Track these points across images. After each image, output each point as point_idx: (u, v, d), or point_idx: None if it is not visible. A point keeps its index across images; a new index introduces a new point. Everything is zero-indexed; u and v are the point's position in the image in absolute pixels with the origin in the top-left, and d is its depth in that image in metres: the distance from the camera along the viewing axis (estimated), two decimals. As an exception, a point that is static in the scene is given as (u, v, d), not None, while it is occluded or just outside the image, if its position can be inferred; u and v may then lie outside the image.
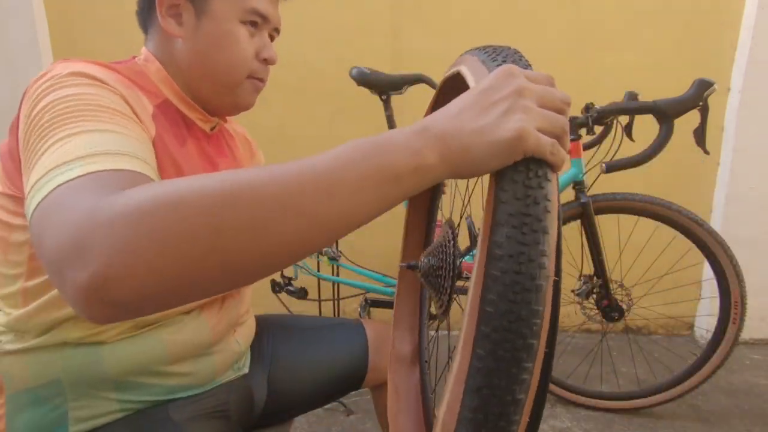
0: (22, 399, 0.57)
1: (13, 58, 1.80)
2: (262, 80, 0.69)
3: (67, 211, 0.33)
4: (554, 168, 0.34)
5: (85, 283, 0.29)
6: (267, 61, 0.67)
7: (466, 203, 0.63)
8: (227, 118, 0.76)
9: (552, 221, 0.32)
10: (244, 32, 0.63)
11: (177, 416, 0.62)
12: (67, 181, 0.37)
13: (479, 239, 0.34)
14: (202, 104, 0.67)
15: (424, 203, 0.75)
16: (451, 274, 0.49)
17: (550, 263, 0.31)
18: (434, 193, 0.75)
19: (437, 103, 0.61)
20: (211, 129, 0.70)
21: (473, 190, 0.63)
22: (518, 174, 0.33)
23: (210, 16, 0.61)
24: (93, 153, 0.40)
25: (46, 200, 0.36)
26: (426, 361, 0.69)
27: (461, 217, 0.62)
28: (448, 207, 0.70)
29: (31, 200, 0.38)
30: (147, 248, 0.29)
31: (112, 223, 0.30)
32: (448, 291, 0.50)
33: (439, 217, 0.75)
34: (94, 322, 0.32)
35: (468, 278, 0.52)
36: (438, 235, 0.57)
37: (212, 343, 0.66)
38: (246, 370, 0.74)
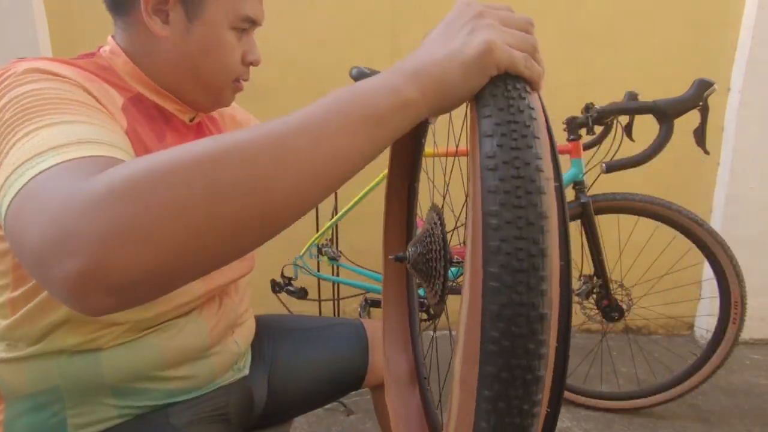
0: (21, 406, 0.57)
1: (13, 57, 1.80)
2: (245, 80, 0.68)
3: (46, 200, 0.31)
4: (532, 84, 0.34)
5: (78, 273, 0.27)
6: (252, 64, 0.66)
7: (445, 192, 0.62)
8: None
9: (540, 128, 0.31)
10: (233, 38, 0.61)
11: (176, 421, 0.61)
12: (42, 172, 0.34)
13: (470, 176, 0.32)
14: (178, 97, 0.64)
15: (402, 190, 0.72)
16: (442, 255, 0.47)
17: (546, 166, 0.30)
18: (411, 180, 0.72)
19: None
20: (191, 120, 0.68)
21: (451, 174, 0.62)
22: (497, 89, 0.33)
23: (202, 21, 0.59)
24: (66, 143, 0.37)
25: (21, 194, 0.33)
26: (425, 378, 0.65)
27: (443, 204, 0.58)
28: (427, 200, 0.69)
29: (2, 199, 0.35)
30: (141, 224, 0.27)
31: (97, 204, 0.28)
32: (441, 274, 0.48)
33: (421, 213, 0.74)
34: (89, 314, 0.30)
35: (459, 262, 0.51)
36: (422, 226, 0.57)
37: (210, 346, 0.65)
38: (246, 372, 0.74)
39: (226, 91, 0.65)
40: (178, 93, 0.64)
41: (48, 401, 0.57)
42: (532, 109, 0.31)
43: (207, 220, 0.28)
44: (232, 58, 0.62)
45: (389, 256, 0.59)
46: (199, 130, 0.69)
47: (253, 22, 0.62)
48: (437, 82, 0.34)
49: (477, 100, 0.34)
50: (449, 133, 0.66)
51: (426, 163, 0.71)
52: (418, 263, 0.53)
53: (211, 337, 0.65)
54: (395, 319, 0.70)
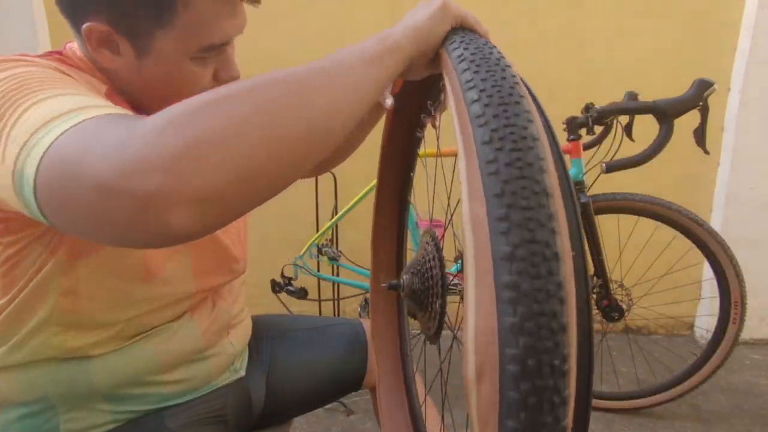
0: (14, 413, 0.57)
1: (13, 58, 1.80)
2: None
3: (102, 136, 0.32)
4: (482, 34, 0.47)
5: (157, 187, 0.29)
6: (227, 81, 0.58)
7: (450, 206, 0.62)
8: None
9: (504, 61, 0.36)
10: (196, 66, 0.54)
11: (172, 423, 0.61)
12: (77, 124, 0.34)
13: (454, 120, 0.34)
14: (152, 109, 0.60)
15: (392, 205, 0.71)
16: (439, 291, 0.47)
17: (520, 86, 0.33)
18: (402, 194, 0.71)
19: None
20: None
21: (451, 188, 0.62)
22: (457, 33, 0.44)
23: (153, 56, 0.52)
24: (86, 106, 0.36)
25: (60, 141, 0.33)
26: (421, 405, 0.65)
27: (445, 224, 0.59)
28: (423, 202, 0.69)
29: (31, 151, 0.34)
30: (208, 143, 0.30)
31: (162, 130, 0.30)
32: (438, 312, 0.47)
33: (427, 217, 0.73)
34: (166, 237, 0.31)
35: (458, 287, 0.50)
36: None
37: (205, 348, 0.65)
38: (243, 373, 0.73)
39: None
40: (151, 108, 0.59)
41: (40, 409, 0.56)
42: (494, 46, 0.38)
43: (265, 135, 0.32)
44: (198, 84, 0.55)
45: (382, 284, 0.57)
46: None
47: (221, 45, 0.54)
48: (413, 30, 0.44)
49: (444, 50, 0.43)
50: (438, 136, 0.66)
51: (426, 166, 0.71)
52: (413, 296, 0.52)
53: (204, 339, 0.64)
54: (388, 363, 0.69)
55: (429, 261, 0.49)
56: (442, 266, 0.48)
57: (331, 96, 0.37)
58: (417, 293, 0.51)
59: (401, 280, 0.54)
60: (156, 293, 0.58)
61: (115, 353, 0.57)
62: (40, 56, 0.51)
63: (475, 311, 0.26)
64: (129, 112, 0.38)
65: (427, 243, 0.52)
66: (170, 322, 0.61)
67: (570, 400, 0.25)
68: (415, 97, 0.64)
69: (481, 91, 0.32)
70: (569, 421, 0.25)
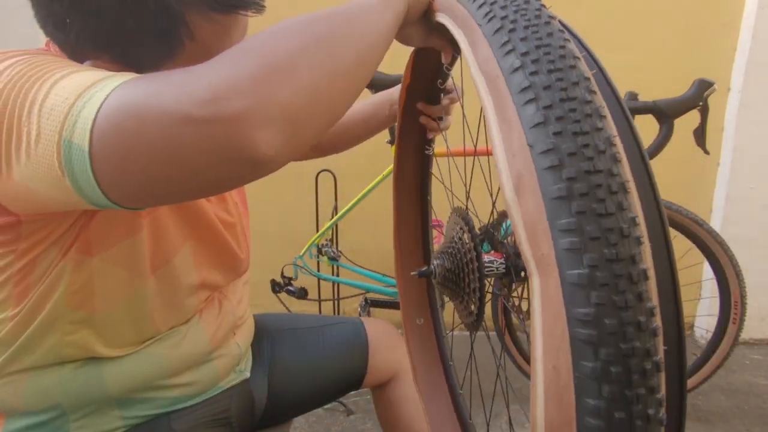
0: (21, 422, 0.55)
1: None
2: None
3: (162, 82, 0.33)
4: None
5: (244, 108, 0.30)
6: None
7: (468, 190, 0.60)
8: None
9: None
10: None
11: (178, 426, 0.61)
12: (125, 82, 0.34)
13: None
14: None
15: (414, 191, 0.71)
16: (475, 270, 0.45)
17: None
18: (422, 178, 0.71)
19: (415, 63, 0.61)
20: None
21: (471, 178, 0.61)
22: None
23: None
24: (120, 74, 0.36)
25: (115, 96, 0.33)
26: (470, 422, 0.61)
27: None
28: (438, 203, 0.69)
29: (75, 124, 0.33)
30: (278, 68, 0.33)
31: (234, 60, 0.33)
32: (477, 291, 0.46)
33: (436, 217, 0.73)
34: (255, 163, 0.32)
35: (494, 264, 0.49)
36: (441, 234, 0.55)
37: (212, 350, 0.65)
38: (248, 374, 0.73)
39: None
40: None
41: (49, 418, 0.55)
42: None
43: (327, 61, 0.35)
44: None
45: (411, 272, 0.56)
46: None
47: None
48: None
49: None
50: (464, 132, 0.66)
51: (439, 164, 0.71)
52: (447, 280, 0.51)
53: (212, 341, 0.65)
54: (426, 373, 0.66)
55: (459, 240, 0.49)
56: (475, 243, 0.47)
57: (366, 31, 0.40)
58: (451, 275, 0.50)
59: (432, 266, 0.53)
60: (163, 286, 0.58)
61: (127, 358, 0.57)
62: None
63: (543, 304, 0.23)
64: None
65: (455, 223, 0.51)
66: (180, 326, 0.61)
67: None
68: (414, 115, 0.66)
69: (503, 18, 0.32)
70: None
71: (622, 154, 0.24)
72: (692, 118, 1.20)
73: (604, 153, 0.24)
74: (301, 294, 1.63)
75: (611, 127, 0.25)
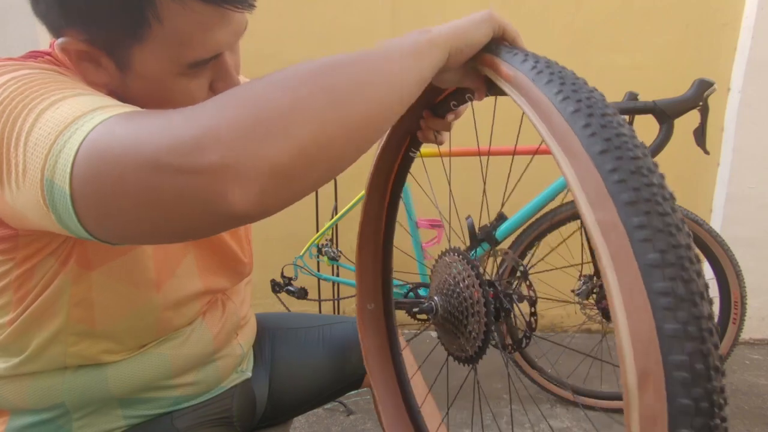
0: (24, 420, 0.56)
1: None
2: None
3: (144, 123, 0.31)
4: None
5: (220, 161, 0.29)
6: (224, 90, 0.47)
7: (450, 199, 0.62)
8: None
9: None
10: (186, 81, 0.48)
11: (180, 424, 0.62)
12: (109, 118, 0.33)
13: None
14: None
15: (384, 187, 0.70)
16: (480, 312, 0.48)
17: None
18: (398, 175, 0.70)
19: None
20: None
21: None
22: (510, 47, 0.44)
23: (135, 73, 0.47)
24: (107, 105, 0.35)
25: (95, 136, 0.32)
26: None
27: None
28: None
29: (56, 162, 0.32)
30: (269, 120, 0.31)
31: (222, 108, 0.31)
32: (479, 333, 0.48)
33: (436, 216, 0.74)
34: (228, 218, 0.31)
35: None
36: (436, 239, 0.57)
37: (215, 351, 0.65)
38: (249, 374, 0.73)
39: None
40: None
41: (53, 416, 0.56)
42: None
43: (325, 113, 0.33)
44: (192, 97, 0.49)
45: (414, 310, 0.58)
46: None
47: (213, 57, 0.48)
48: (454, 28, 0.45)
49: (493, 56, 0.44)
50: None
51: (444, 166, 0.71)
52: (444, 317, 0.53)
53: (215, 342, 0.65)
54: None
55: (467, 289, 0.50)
56: (483, 287, 0.49)
57: (387, 84, 0.38)
58: (449, 317, 0.52)
59: (432, 303, 0.54)
60: (168, 298, 0.58)
61: (131, 359, 0.57)
62: (25, 57, 0.49)
63: (627, 318, 0.26)
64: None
65: (453, 262, 0.52)
66: (184, 327, 0.62)
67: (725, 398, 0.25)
68: (414, 114, 0.65)
69: (578, 101, 0.34)
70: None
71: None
72: (692, 118, 1.20)
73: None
74: (301, 294, 1.63)
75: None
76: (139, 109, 0.36)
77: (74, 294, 0.51)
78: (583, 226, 1.38)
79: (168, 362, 0.60)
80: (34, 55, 0.50)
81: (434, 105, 0.62)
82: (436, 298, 0.54)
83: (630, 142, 0.30)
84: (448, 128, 0.68)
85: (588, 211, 0.29)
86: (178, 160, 0.29)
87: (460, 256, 0.53)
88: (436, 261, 0.61)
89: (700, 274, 0.27)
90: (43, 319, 0.51)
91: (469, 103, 0.60)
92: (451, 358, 0.59)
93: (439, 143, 0.69)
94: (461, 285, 0.51)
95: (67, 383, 0.55)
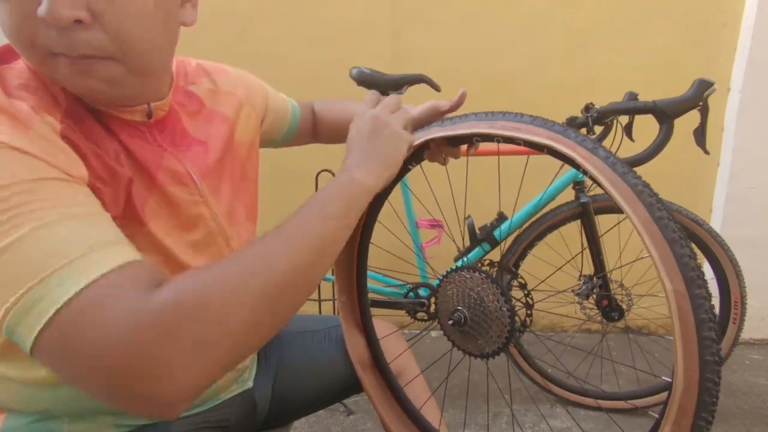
0: (19, 420, 0.55)
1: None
2: (67, 54, 0.43)
3: (109, 316, 0.35)
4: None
5: (167, 392, 0.34)
6: (45, 21, 0.41)
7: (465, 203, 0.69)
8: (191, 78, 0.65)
9: None
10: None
11: (177, 429, 0.61)
12: (87, 286, 0.35)
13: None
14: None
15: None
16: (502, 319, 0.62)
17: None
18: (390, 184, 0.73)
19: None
20: (148, 116, 0.55)
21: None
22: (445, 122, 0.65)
23: None
24: (77, 257, 0.36)
25: (68, 309, 0.35)
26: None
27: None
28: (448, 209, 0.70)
29: (20, 320, 0.35)
30: (217, 339, 0.36)
31: (171, 327, 0.35)
32: (501, 337, 0.62)
33: (436, 216, 0.76)
34: (163, 417, 0.36)
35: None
36: (435, 238, 0.67)
37: None
38: (250, 384, 0.72)
39: (51, 71, 0.45)
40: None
41: (44, 418, 0.55)
42: None
43: (269, 313, 0.40)
44: (12, 14, 0.42)
45: (448, 320, 0.67)
46: (160, 127, 0.57)
47: None
48: (378, 158, 0.58)
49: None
50: None
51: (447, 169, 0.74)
52: (470, 326, 0.65)
53: None
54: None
55: (489, 297, 0.63)
56: (508, 304, 0.62)
57: (306, 263, 0.45)
58: (475, 324, 0.65)
59: (461, 315, 0.66)
60: None
61: None
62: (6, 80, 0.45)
63: (684, 360, 0.46)
64: (126, 258, 0.39)
65: (478, 281, 0.65)
66: None
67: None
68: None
69: (650, 195, 0.48)
70: None
71: None
72: (692, 118, 1.20)
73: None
74: (301, 294, 1.63)
75: None
76: (115, 265, 0.38)
77: None
78: (582, 227, 1.39)
79: None
80: (5, 60, 0.47)
81: (453, 137, 0.64)
82: (462, 309, 0.66)
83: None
84: (457, 156, 0.71)
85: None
86: (129, 376, 0.34)
87: (486, 276, 0.64)
88: (452, 273, 0.68)
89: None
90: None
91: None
92: (449, 359, 0.63)
93: (444, 164, 0.72)
94: (487, 299, 0.64)
95: (52, 393, 0.53)
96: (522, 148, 0.58)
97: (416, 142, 0.66)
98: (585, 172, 0.52)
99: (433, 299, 1.49)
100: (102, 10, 0.43)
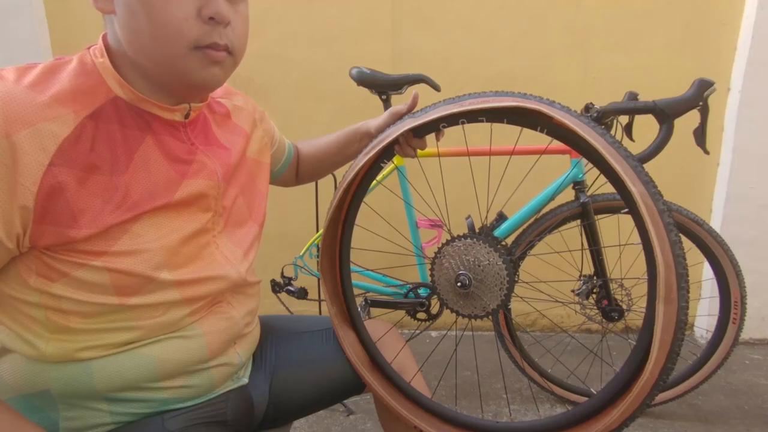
0: (17, 405, 0.56)
1: (13, 57, 1.80)
2: (215, 47, 0.55)
3: None
4: None
5: None
6: (213, 19, 0.53)
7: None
8: (212, 96, 0.72)
9: None
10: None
11: (172, 426, 0.61)
12: None
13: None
14: (162, 90, 0.58)
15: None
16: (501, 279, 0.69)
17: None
18: (365, 180, 0.79)
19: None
20: (186, 117, 0.62)
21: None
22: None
23: None
24: None
25: None
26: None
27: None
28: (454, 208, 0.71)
29: None
30: None
31: None
32: (505, 288, 0.69)
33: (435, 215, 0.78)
34: None
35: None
36: (437, 237, 0.72)
37: (210, 358, 0.64)
38: (246, 380, 0.72)
39: (185, 62, 0.55)
40: (152, 88, 0.58)
41: (41, 404, 0.56)
42: None
43: None
44: (173, 13, 0.51)
45: (456, 284, 0.73)
46: (192, 128, 0.64)
47: None
48: None
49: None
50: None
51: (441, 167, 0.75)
52: (475, 286, 0.71)
53: (209, 351, 0.63)
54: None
55: (482, 253, 0.70)
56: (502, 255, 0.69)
57: None
58: (477, 282, 0.71)
59: (465, 278, 0.71)
60: (139, 309, 0.57)
61: (116, 356, 0.56)
62: (35, 74, 0.52)
63: (658, 242, 0.57)
64: None
65: (469, 245, 0.71)
66: (174, 332, 0.60)
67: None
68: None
69: (664, 203, 0.58)
70: None
71: None
72: (692, 118, 1.20)
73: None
74: (301, 294, 1.63)
75: None
76: None
77: (45, 302, 0.53)
78: (582, 227, 1.39)
79: (155, 365, 0.58)
80: (63, 59, 0.55)
81: (417, 127, 0.69)
82: (465, 272, 0.71)
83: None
84: (424, 147, 0.78)
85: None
86: None
87: (476, 239, 0.70)
88: (445, 246, 0.73)
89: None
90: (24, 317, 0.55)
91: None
92: (452, 359, 0.66)
93: (414, 156, 0.79)
94: (482, 258, 0.70)
95: (52, 372, 0.55)
96: (534, 147, 0.66)
97: (387, 140, 0.71)
98: (550, 119, 0.60)
99: (434, 296, 1.49)
100: (233, 16, 0.57)
